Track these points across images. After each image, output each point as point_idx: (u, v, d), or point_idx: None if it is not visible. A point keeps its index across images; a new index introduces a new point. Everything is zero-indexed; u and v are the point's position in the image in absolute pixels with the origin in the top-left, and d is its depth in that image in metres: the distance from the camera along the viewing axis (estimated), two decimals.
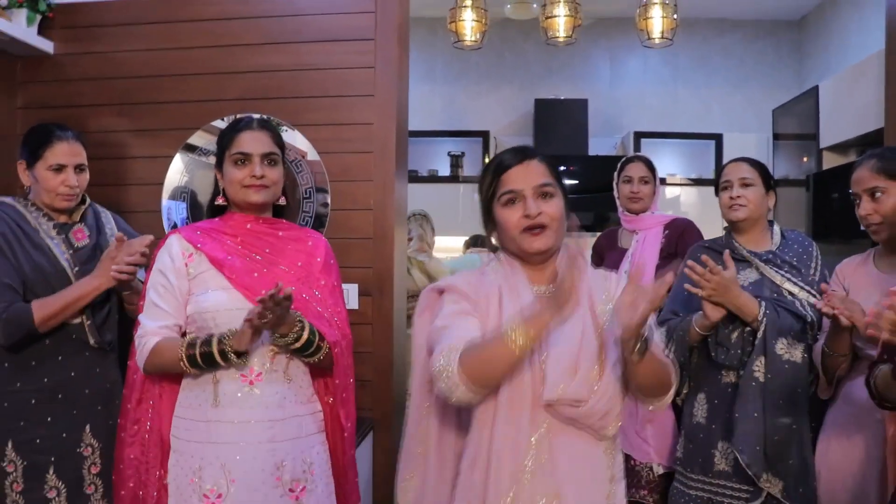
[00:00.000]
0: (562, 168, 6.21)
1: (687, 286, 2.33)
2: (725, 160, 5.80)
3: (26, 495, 2.19)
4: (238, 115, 3.00)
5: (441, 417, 1.78)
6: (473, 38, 4.19)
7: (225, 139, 2.08)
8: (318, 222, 2.92)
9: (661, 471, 2.77)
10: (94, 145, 2.41)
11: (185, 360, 1.89)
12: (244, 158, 2.03)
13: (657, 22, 3.92)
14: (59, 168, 2.29)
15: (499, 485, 1.61)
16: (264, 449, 1.94)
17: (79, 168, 2.34)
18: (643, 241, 2.97)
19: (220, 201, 2.11)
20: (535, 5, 5.08)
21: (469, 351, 1.56)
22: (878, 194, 2.11)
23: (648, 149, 6.08)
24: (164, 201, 3.04)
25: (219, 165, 2.10)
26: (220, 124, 3.03)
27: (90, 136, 2.61)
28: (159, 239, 2.15)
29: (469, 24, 4.13)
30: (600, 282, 1.75)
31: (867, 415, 2.13)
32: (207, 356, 1.87)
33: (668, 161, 6.25)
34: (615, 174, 3.14)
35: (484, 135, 6.18)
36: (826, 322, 2.25)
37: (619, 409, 1.64)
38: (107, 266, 2.20)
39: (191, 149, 3.06)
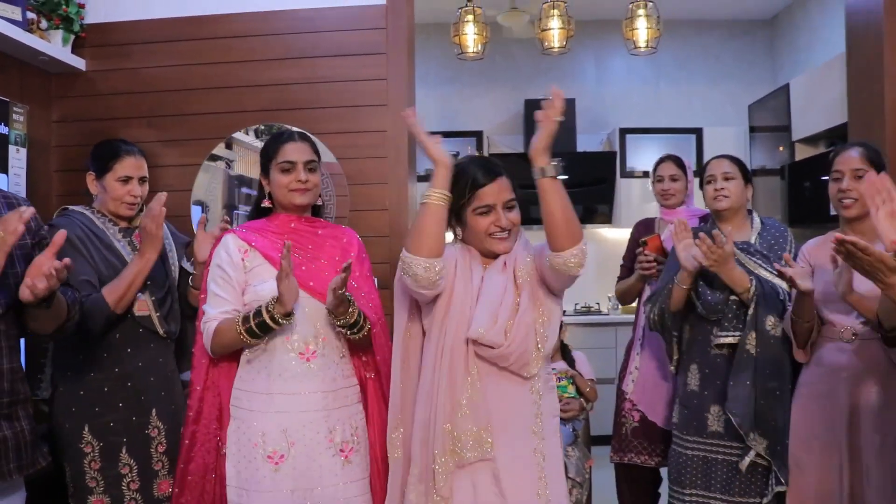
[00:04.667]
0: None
1: (693, 255, 2.62)
2: (706, 153, 6.14)
3: (103, 472, 2.42)
4: (261, 126, 3.25)
5: (412, 370, 2.16)
6: (475, 50, 4.50)
7: (270, 150, 2.33)
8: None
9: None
10: None
11: (243, 333, 2.14)
12: (290, 166, 2.29)
13: (642, 32, 4.23)
14: (126, 179, 2.53)
15: (442, 417, 1.97)
16: (319, 416, 2.22)
17: (142, 180, 2.59)
18: None
19: (265, 204, 2.36)
20: (526, 15, 5.36)
21: None
22: (860, 176, 2.36)
23: (633, 144, 6.34)
24: (193, 207, 3.27)
25: (264, 173, 2.35)
26: (242, 136, 3.27)
27: None
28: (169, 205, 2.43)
29: (471, 37, 4.45)
30: (524, 251, 2.12)
31: (835, 374, 2.47)
32: (261, 324, 2.12)
33: (651, 155, 6.30)
34: (650, 172, 3.41)
35: (477, 135, 6.33)
36: (794, 294, 2.54)
37: (532, 352, 2.00)
38: (147, 241, 2.39)
39: (215, 158, 3.29)
